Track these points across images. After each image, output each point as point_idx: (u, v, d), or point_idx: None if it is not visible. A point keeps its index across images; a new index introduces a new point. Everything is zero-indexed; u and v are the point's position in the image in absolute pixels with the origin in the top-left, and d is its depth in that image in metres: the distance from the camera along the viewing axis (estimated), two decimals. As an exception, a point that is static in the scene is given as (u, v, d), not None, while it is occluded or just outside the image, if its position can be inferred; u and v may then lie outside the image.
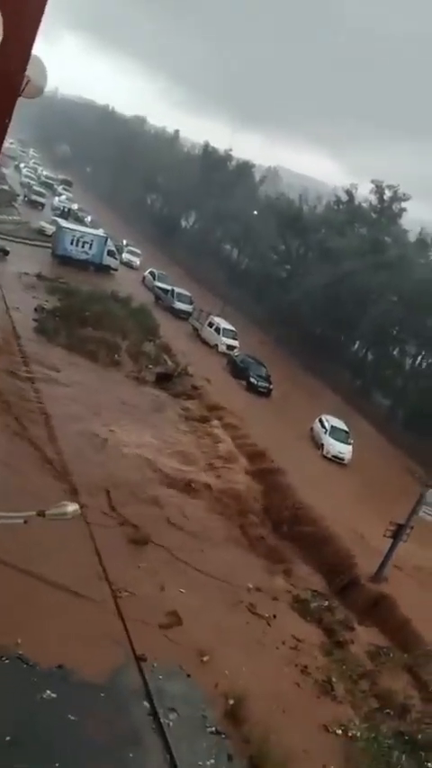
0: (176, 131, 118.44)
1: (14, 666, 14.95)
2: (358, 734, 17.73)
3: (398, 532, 25.70)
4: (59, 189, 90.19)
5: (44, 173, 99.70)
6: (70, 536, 19.94)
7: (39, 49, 10.25)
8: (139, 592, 19.41)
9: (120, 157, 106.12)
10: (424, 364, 54.73)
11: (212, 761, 14.94)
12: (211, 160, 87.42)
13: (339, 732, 17.70)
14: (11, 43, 9.17)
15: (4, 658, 15.02)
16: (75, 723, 14.23)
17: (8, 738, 13.14)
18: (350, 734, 17.71)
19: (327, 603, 23.75)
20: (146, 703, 15.76)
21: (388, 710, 19.45)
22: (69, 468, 24.38)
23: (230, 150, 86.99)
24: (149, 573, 20.65)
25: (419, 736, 18.50)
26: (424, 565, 28.94)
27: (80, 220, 70.37)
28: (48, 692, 14.67)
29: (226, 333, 51.03)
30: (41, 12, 9.99)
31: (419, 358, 54.98)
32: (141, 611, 18.61)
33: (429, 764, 17.63)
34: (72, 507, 10.13)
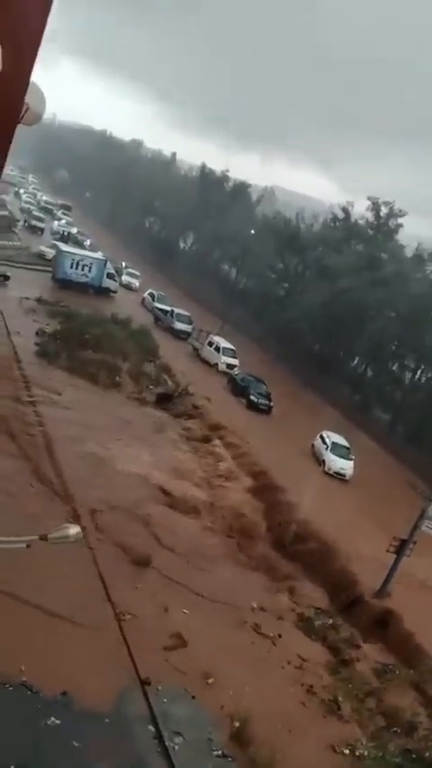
0: (173, 154, 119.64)
1: (18, 693, 14.94)
2: (365, 753, 17.63)
3: (401, 547, 25.65)
4: (59, 213, 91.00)
5: (43, 198, 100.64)
6: (73, 559, 20.01)
7: (36, 75, 10.48)
8: (142, 614, 19.40)
9: (118, 182, 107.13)
10: (423, 378, 54.85)
11: (219, 784, 14.88)
12: (208, 181, 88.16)
13: (347, 752, 17.59)
14: (10, 71, 9.37)
15: (7, 686, 15.00)
16: (79, 749, 14.20)
17: (13, 766, 13.10)
18: (357, 753, 17.60)
19: (331, 621, 23.69)
20: (151, 727, 15.71)
21: (395, 728, 19.35)
22: (70, 491, 24.43)
23: (227, 171, 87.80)
24: (152, 595, 20.64)
25: (427, 754, 18.37)
26: (428, 579, 28.85)
27: (79, 244, 70.94)
28: (52, 718, 14.65)
29: (226, 352, 51.23)
30: (39, 40, 10.19)
31: (418, 372, 55.12)
32: (145, 633, 18.59)
33: (438, 782, 17.50)
34: (74, 530, 10.22)
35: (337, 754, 17.46)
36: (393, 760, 17.65)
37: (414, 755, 18.21)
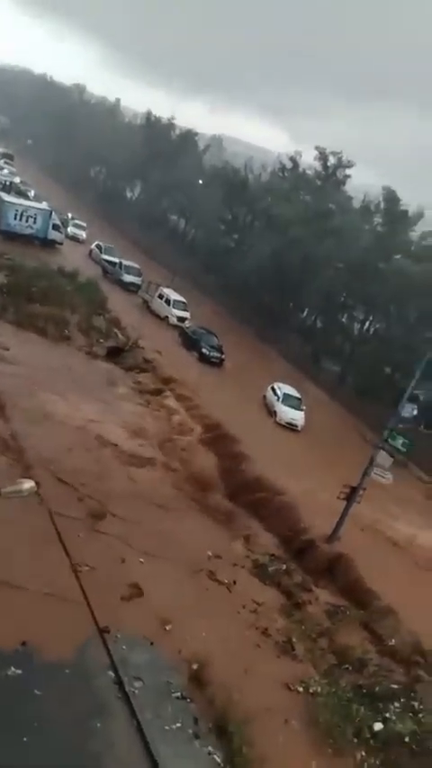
0: (117, 100, 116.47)
1: (-23, 646, 14.95)
2: (318, 689, 18.33)
3: (351, 495, 26.34)
4: (0, 163, 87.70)
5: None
6: (27, 513, 19.93)
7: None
8: (99, 565, 19.52)
9: (61, 128, 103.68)
10: (371, 330, 55.63)
11: (178, 724, 15.29)
12: (154, 129, 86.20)
13: (300, 689, 18.27)
14: None
15: (-35, 639, 15.00)
16: (40, 697, 14.38)
17: (-26, 716, 13.21)
18: (311, 690, 18.29)
19: (285, 567, 24.29)
20: (111, 673, 15.98)
21: (346, 666, 20.15)
22: (22, 446, 24.15)
23: (173, 119, 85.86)
24: (108, 546, 20.74)
25: (377, 689, 19.23)
26: (376, 525, 29.83)
27: (23, 194, 68.65)
28: (12, 668, 14.74)
29: (176, 304, 50.89)
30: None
31: (367, 323, 55.85)
32: (102, 584, 18.74)
33: (387, 714, 18.35)
34: (28, 484, 10.19)
35: (291, 691, 18.12)
36: (345, 695, 18.40)
37: (365, 690, 19.03)
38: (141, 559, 20.82)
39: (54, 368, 32.99)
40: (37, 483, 21.13)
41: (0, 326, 35.07)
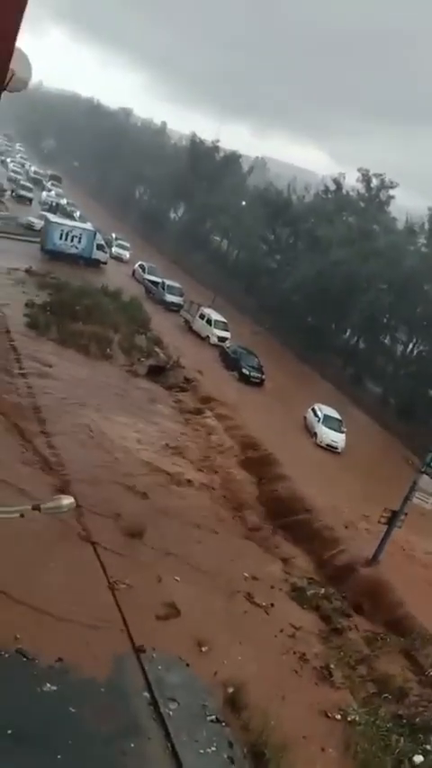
0: (163, 123, 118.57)
1: (14, 661, 14.98)
2: (357, 718, 17.89)
3: (392, 519, 25.85)
4: (48, 184, 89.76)
5: (32, 168, 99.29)
6: (66, 529, 20.06)
7: (23, 41, 10.23)
8: (136, 583, 19.48)
9: (107, 151, 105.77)
10: (414, 351, 54.91)
11: (213, 748, 15.06)
12: (199, 151, 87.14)
13: (338, 717, 17.85)
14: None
15: (3, 653, 15.06)
16: (75, 715, 14.32)
17: (9, 731, 13.21)
18: (349, 719, 17.86)
19: (323, 591, 23.89)
20: (146, 694, 15.86)
21: (386, 695, 19.63)
22: (63, 463, 24.37)
23: (218, 141, 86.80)
24: (146, 565, 20.70)
25: (417, 719, 18.69)
26: (418, 549, 29.20)
27: (69, 215, 70.13)
28: (48, 684, 14.74)
29: (217, 324, 51.04)
30: (23, 5, 9.93)
31: (410, 345, 55.17)
32: (139, 602, 18.68)
33: (428, 746, 17.81)
34: (67, 501, 10.20)
35: (329, 719, 17.72)
36: (384, 725, 17.93)
37: (405, 721, 18.53)
38: (177, 577, 20.72)
39: (95, 385, 33.31)
40: (76, 499, 21.26)
41: (43, 344, 35.63)
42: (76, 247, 55.14)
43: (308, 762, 15.68)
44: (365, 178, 64.22)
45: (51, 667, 15.20)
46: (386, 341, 56.99)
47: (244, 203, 69.77)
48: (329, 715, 17.83)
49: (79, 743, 13.71)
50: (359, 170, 64.55)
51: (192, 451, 30.70)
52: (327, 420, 39.37)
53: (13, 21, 9.79)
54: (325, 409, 40.31)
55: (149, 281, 59.05)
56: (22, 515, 10.01)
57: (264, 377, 45.09)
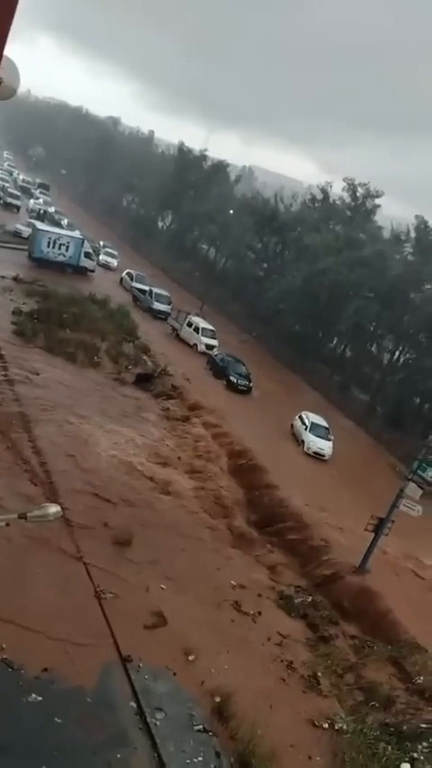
0: (151, 132, 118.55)
1: (-1, 671, 14.89)
2: (345, 726, 17.87)
3: (379, 526, 25.92)
4: (36, 192, 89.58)
5: (20, 176, 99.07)
6: (52, 537, 19.95)
7: (11, 50, 10.22)
8: (123, 593, 19.39)
9: (95, 159, 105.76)
10: (401, 359, 55.16)
11: (200, 758, 15.00)
12: (187, 160, 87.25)
13: (326, 726, 17.82)
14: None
15: (-12, 663, 14.95)
16: (61, 725, 14.22)
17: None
18: (336, 727, 17.84)
19: (311, 599, 23.89)
20: (133, 703, 15.77)
21: (373, 703, 19.62)
22: (49, 471, 24.26)
23: (206, 150, 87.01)
24: (133, 573, 20.63)
25: (404, 727, 18.68)
26: (404, 557, 29.25)
27: (56, 223, 70.00)
28: (33, 695, 14.63)
29: (205, 332, 51.08)
30: (12, 13, 9.93)
31: (397, 353, 55.43)
32: (126, 611, 18.60)
33: (415, 754, 17.79)
34: (54, 509, 10.18)
35: (316, 727, 17.68)
36: (372, 733, 17.92)
37: (392, 729, 18.51)
38: (163, 586, 20.65)
39: (82, 393, 33.22)
40: (63, 508, 21.18)
41: (30, 352, 35.50)
42: (64, 255, 55.06)
43: (295, 771, 15.64)
44: (351, 187, 64.66)
45: (37, 678, 15.11)
46: (373, 349, 57.24)
47: (231, 212, 69.95)
48: (317, 723, 17.79)
49: (65, 754, 13.62)
50: (344, 179, 65.01)
51: (179, 459, 30.65)
52: (314, 428, 39.45)
53: (1, 29, 9.79)
54: (312, 417, 40.39)
55: (137, 288, 59.04)
56: (7, 524, 9.99)
57: (251, 385, 45.14)
